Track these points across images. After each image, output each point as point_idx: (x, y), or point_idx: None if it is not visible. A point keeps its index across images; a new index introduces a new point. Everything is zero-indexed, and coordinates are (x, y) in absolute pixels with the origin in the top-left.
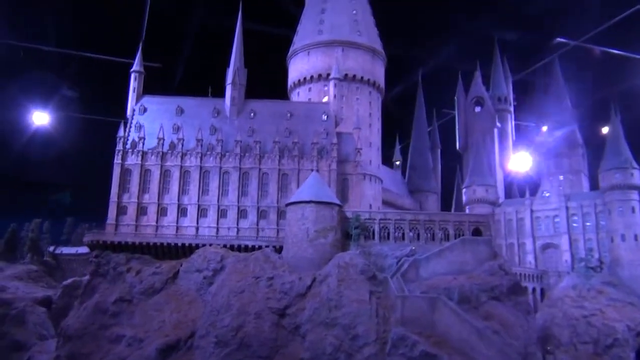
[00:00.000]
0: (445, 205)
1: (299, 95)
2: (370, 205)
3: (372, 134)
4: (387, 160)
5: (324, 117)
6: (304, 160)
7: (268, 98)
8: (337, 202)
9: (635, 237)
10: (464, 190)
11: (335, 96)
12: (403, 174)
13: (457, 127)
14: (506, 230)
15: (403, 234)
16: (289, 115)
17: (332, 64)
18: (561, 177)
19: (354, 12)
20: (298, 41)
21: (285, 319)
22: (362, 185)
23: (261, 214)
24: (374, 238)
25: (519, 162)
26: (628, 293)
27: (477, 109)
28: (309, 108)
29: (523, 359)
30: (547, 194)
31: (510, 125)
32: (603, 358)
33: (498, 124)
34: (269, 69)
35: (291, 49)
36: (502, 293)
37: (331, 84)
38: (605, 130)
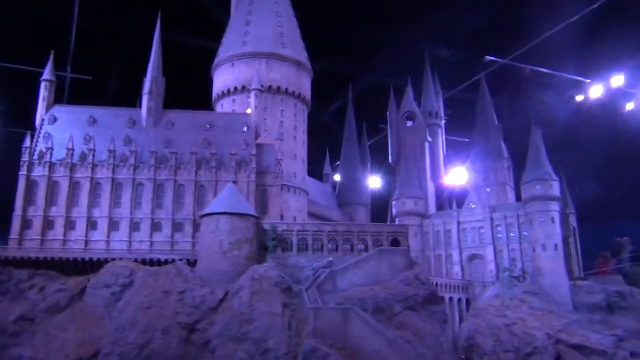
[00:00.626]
0: (382, 219)
1: (223, 107)
2: (295, 218)
3: (297, 146)
4: (318, 174)
5: (245, 129)
6: (222, 172)
7: (194, 110)
8: (254, 213)
9: (556, 246)
10: (394, 203)
11: (256, 107)
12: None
13: (389, 141)
14: (434, 242)
15: (322, 245)
16: (208, 126)
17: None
18: (488, 190)
19: (280, 24)
20: (223, 52)
21: (195, 335)
22: (283, 197)
23: (176, 227)
24: (292, 250)
25: (456, 176)
26: (549, 302)
27: (409, 123)
28: (230, 119)
29: None
30: (474, 206)
31: (442, 139)
32: None
33: (429, 139)
34: (197, 81)
35: (216, 61)
36: (418, 303)
37: (252, 95)
38: None
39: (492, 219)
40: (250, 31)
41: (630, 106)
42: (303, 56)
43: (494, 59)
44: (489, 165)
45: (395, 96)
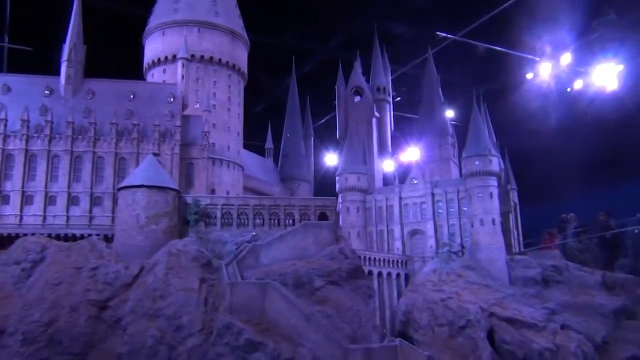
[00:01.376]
0: (333, 195)
1: (153, 77)
2: (228, 192)
3: (231, 119)
4: (259, 149)
5: (171, 99)
6: (145, 144)
7: (124, 79)
8: (174, 186)
9: (493, 221)
10: (337, 178)
11: (183, 77)
12: (276, 161)
13: (337, 116)
14: (377, 217)
15: (247, 219)
16: (132, 96)
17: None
18: (432, 165)
19: None
20: (153, 20)
21: (106, 312)
22: (215, 170)
23: (95, 201)
24: (215, 224)
25: (411, 153)
26: (484, 276)
27: (357, 98)
28: (155, 89)
29: (352, 342)
30: (415, 181)
31: (389, 115)
32: (457, 339)
33: (376, 114)
34: (131, 50)
35: (147, 28)
36: (341, 277)
37: (179, 64)
38: None
39: (433, 194)
40: None
41: (578, 84)
42: (238, 25)
43: (445, 34)
44: (434, 142)
45: (344, 72)
